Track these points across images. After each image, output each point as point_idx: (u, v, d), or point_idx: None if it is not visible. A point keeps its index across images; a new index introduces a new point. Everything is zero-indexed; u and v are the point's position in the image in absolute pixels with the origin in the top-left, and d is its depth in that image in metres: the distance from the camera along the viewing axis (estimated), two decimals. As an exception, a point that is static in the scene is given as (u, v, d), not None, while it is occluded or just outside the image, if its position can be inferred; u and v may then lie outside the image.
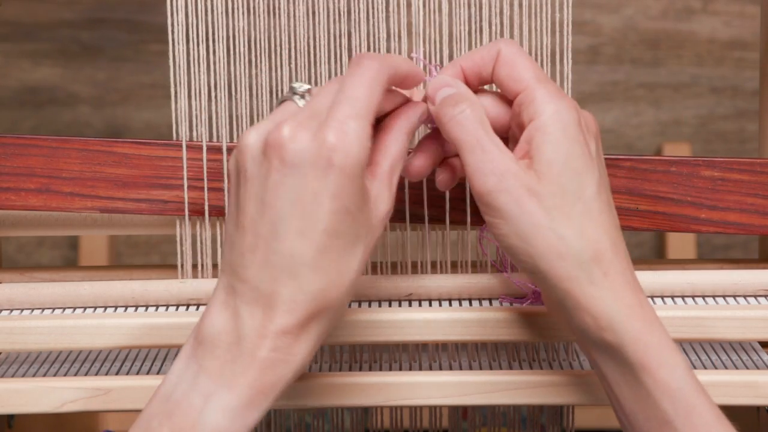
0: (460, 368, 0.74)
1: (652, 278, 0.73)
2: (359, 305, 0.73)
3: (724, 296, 0.74)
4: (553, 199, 0.62)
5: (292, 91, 0.63)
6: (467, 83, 0.65)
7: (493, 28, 0.71)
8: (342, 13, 0.71)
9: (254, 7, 0.71)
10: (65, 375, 0.73)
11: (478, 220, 0.73)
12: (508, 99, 0.65)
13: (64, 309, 0.74)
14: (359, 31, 0.71)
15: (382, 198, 0.61)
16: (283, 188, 0.59)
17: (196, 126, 0.73)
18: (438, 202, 0.73)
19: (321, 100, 0.61)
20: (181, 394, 0.59)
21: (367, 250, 0.61)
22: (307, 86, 0.63)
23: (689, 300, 0.73)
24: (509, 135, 0.66)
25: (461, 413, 0.87)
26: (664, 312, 0.69)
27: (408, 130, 0.64)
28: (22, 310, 0.73)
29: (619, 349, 0.62)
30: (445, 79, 0.65)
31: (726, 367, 0.73)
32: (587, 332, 0.62)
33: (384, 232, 0.73)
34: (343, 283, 0.60)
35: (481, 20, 0.71)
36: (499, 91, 0.66)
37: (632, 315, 0.62)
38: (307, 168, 0.58)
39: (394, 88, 0.64)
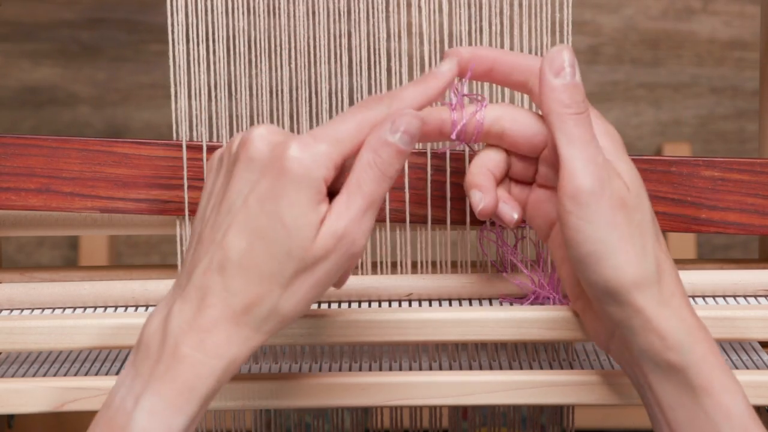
0: (460, 368, 0.74)
1: (652, 278, 0.73)
2: (359, 305, 0.73)
3: (724, 296, 0.74)
4: (636, 215, 0.62)
5: None
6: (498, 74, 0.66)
7: (493, 28, 0.71)
8: (342, 13, 0.71)
9: (254, 7, 0.71)
10: (65, 375, 0.73)
11: (478, 220, 0.73)
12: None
13: (64, 309, 0.74)
14: (359, 31, 0.71)
15: (332, 223, 0.59)
16: (238, 181, 0.59)
17: (196, 126, 0.73)
18: (438, 202, 0.72)
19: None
20: (119, 400, 0.60)
21: (307, 273, 0.59)
22: None
23: (689, 300, 0.73)
24: (541, 156, 0.66)
25: (461, 413, 0.87)
26: (664, 312, 0.69)
27: (374, 149, 0.60)
28: (22, 310, 0.73)
29: (683, 371, 0.61)
30: (568, 59, 0.62)
31: (726, 367, 0.73)
32: (651, 352, 0.62)
33: (384, 231, 0.73)
34: (265, 291, 0.59)
35: (481, 20, 0.71)
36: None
37: (697, 337, 0.62)
38: (263, 167, 0.59)
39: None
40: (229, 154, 0.61)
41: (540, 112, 0.65)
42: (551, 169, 0.66)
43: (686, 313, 0.62)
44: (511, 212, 0.66)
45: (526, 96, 0.71)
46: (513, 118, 0.65)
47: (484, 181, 0.65)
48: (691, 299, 0.73)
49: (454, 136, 0.65)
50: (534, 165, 0.67)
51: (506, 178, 0.67)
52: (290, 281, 0.59)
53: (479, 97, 0.66)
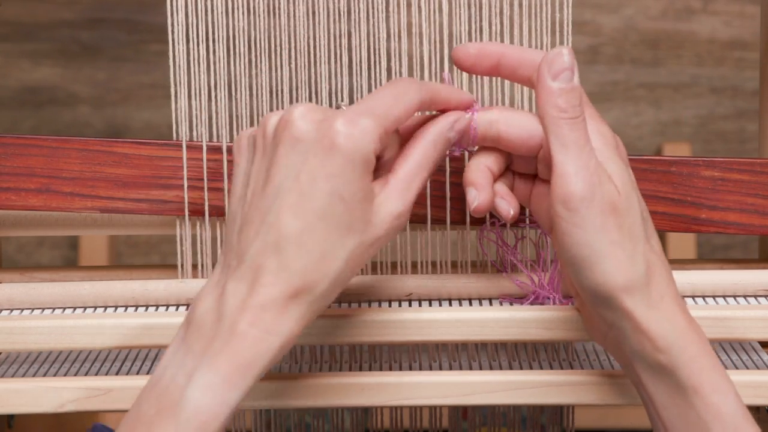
0: (460, 368, 0.74)
1: (652, 278, 0.73)
2: (359, 305, 0.73)
3: (724, 296, 0.74)
4: (627, 219, 0.62)
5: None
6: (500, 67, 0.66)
7: (493, 28, 0.71)
8: (342, 13, 0.71)
9: (254, 7, 0.71)
10: (65, 375, 0.73)
11: (478, 220, 0.73)
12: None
13: (64, 309, 0.74)
14: (359, 31, 0.71)
15: (392, 202, 0.61)
16: (285, 162, 0.60)
17: (196, 126, 0.73)
18: (438, 203, 0.73)
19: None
20: (169, 377, 0.59)
21: (364, 248, 0.60)
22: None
23: (689, 300, 0.73)
24: (539, 155, 0.66)
25: (461, 413, 0.87)
26: (664, 312, 0.69)
27: (435, 140, 0.63)
28: (22, 310, 0.73)
29: (673, 372, 0.62)
30: (567, 62, 0.63)
31: (726, 367, 0.72)
32: (642, 354, 0.62)
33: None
34: (326, 268, 0.60)
35: (481, 20, 0.71)
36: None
37: (687, 338, 0.62)
38: (311, 145, 0.59)
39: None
40: (264, 135, 0.62)
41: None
42: (548, 168, 0.66)
43: (677, 314, 0.62)
44: (507, 208, 0.66)
45: (525, 97, 0.71)
46: (507, 122, 0.65)
47: (480, 178, 0.65)
48: (690, 299, 0.73)
49: (456, 148, 0.66)
50: (535, 160, 0.67)
51: (509, 171, 0.67)
52: (350, 256, 0.60)
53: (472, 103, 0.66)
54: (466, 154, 0.71)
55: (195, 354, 0.59)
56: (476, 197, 0.65)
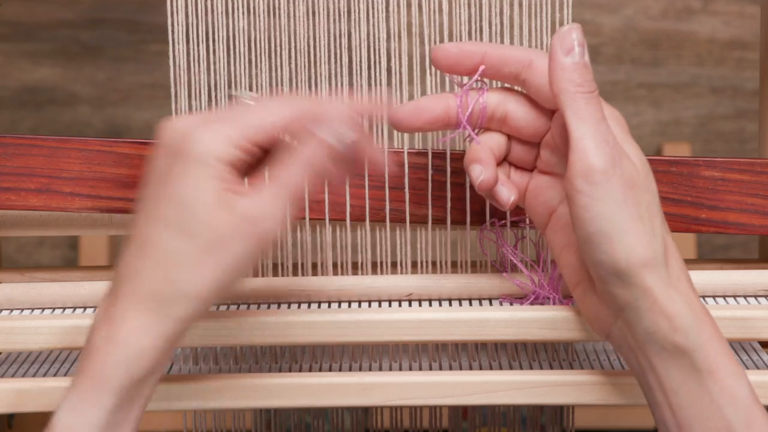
0: (460, 368, 0.74)
1: (652, 278, 0.73)
2: (359, 305, 0.73)
3: (724, 296, 0.74)
4: (646, 195, 0.62)
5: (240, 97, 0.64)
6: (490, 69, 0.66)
7: (493, 28, 0.71)
8: (342, 13, 0.71)
9: (254, 7, 0.71)
10: (65, 375, 0.73)
11: (478, 220, 0.73)
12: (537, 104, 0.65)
13: (64, 309, 0.73)
14: (359, 31, 0.71)
15: (254, 208, 0.59)
16: (152, 170, 0.60)
17: (196, 126, 0.73)
18: (439, 202, 0.72)
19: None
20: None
21: (214, 257, 0.58)
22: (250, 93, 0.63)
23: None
24: (543, 141, 0.66)
25: (461, 413, 0.87)
26: (664, 312, 0.69)
27: (309, 156, 0.60)
28: (22, 310, 0.73)
29: (689, 353, 0.61)
30: (578, 37, 0.62)
31: (726, 367, 0.73)
32: (658, 335, 0.62)
33: (384, 231, 0.73)
34: (170, 274, 0.59)
35: (481, 20, 0.71)
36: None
37: (703, 320, 0.62)
38: (167, 152, 0.59)
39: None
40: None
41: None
42: (554, 154, 0.66)
43: (692, 296, 0.62)
44: (508, 194, 0.66)
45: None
46: (516, 102, 0.66)
47: (484, 156, 0.65)
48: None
49: (464, 120, 0.65)
50: (535, 150, 0.67)
51: (506, 162, 0.67)
52: (197, 262, 0.58)
53: (481, 83, 0.66)
54: (467, 143, 0.71)
55: (72, 377, 0.60)
56: (482, 171, 0.65)
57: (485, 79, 0.67)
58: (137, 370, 0.59)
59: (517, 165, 0.68)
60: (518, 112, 0.66)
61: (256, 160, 0.61)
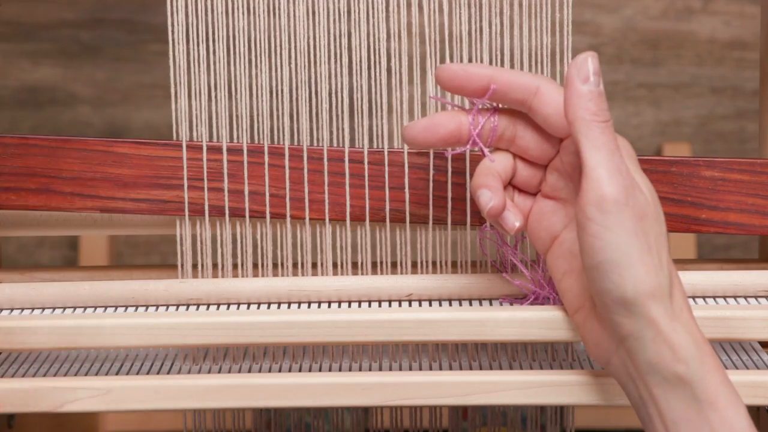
0: (460, 368, 0.74)
1: (652, 278, 0.73)
2: (359, 305, 0.73)
3: (724, 296, 0.74)
4: (655, 227, 0.62)
5: None
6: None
7: (493, 28, 0.71)
8: (342, 13, 0.71)
9: (254, 7, 0.71)
10: (65, 375, 0.73)
11: (478, 220, 0.73)
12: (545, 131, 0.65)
13: (64, 309, 0.73)
14: (359, 31, 0.71)
15: None
16: None
17: (196, 126, 0.73)
18: (439, 203, 0.73)
19: None
20: None
21: None
22: None
23: (690, 300, 0.73)
24: (550, 165, 0.66)
25: (461, 413, 0.87)
26: (664, 312, 0.69)
27: None
28: (23, 310, 0.73)
29: (690, 384, 0.62)
30: (595, 66, 0.63)
31: (726, 367, 0.72)
32: (660, 365, 0.62)
33: (384, 231, 0.73)
34: None
35: (481, 20, 0.71)
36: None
37: (704, 351, 0.62)
38: None
39: None
40: None
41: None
42: (561, 179, 0.66)
43: (693, 327, 0.63)
44: (513, 220, 0.66)
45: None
46: (526, 124, 0.66)
47: (492, 182, 0.65)
48: (691, 299, 0.73)
49: (474, 136, 0.66)
50: (540, 174, 0.67)
51: (509, 186, 0.68)
52: None
53: (492, 103, 0.66)
54: (467, 152, 0.71)
55: None
56: (491, 198, 0.65)
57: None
58: None
59: (521, 188, 0.68)
60: (528, 133, 0.66)
61: None
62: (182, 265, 0.74)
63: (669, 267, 0.62)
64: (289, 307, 0.73)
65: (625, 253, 0.61)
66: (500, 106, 0.66)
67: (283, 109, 0.73)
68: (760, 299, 0.73)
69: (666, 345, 0.62)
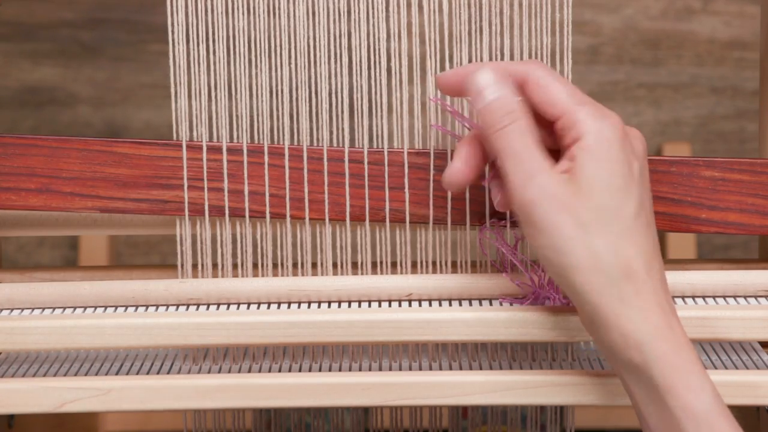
0: (460, 368, 0.74)
1: (652, 278, 0.73)
2: (359, 305, 0.73)
3: (724, 296, 0.74)
4: (590, 215, 0.62)
5: None
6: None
7: (493, 28, 0.71)
8: (342, 13, 0.71)
9: (254, 7, 0.71)
10: (65, 375, 0.73)
11: (478, 220, 0.73)
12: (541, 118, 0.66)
13: (64, 309, 0.73)
14: (359, 31, 0.71)
15: None
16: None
17: (196, 126, 0.73)
18: (439, 203, 0.73)
19: None
20: None
21: None
22: None
23: (689, 300, 0.73)
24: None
25: (461, 412, 0.87)
26: (664, 312, 0.69)
27: None
28: (22, 310, 0.73)
29: (645, 370, 0.62)
30: (490, 78, 0.64)
31: (726, 367, 0.73)
32: (615, 350, 0.62)
33: (384, 231, 0.73)
34: None
35: (481, 20, 0.71)
36: None
37: (660, 336, 0.62)
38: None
39: None
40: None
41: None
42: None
43: (653, 312, 0.62)
44: (495, 193, 0.67)
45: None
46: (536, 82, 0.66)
47: (463, 151, 0.67)
48: (691, 299, 0.73)
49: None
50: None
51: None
52: None
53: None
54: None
55: None
56: (451, 165, 0.67)
57: None
58: None
59: None
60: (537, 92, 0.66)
61: None
62: (182, 265, 0.74)
63: (619, 249, 0.62)
64: (289, 307, 0.73)
65: (557, 243, 0.62)
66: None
67: (283, 109, 0.73)
68: (760, 299, 0.73)
69: (616, 331, 0.62)
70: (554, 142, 0.67)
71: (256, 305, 0.73)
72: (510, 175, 0.63)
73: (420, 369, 0.74)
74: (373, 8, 0.71)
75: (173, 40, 0.72)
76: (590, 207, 0.62)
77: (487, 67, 0.65)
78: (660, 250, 0.65)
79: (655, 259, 0.63)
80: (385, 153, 0.73)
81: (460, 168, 0.66)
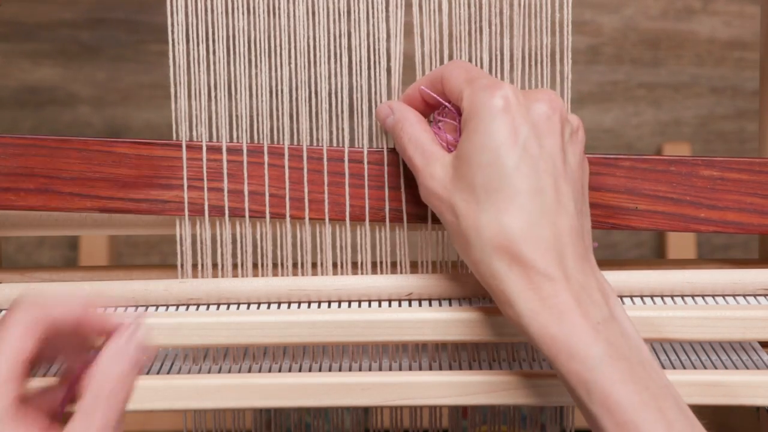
0: (460, 368, 0.74)
1: (652, 278, 0.73)
2: (359, 305, 0.73)
3: (724, 296, 0.74)
4: (461, 196, 0.64)
5: None
6: (427, 104, 0.70)
7: (493, 28, 0.71)
8: (342, 13, 0.71)
9: (254, 7, 0.71)
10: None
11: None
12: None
13: (64, 309, 0.73)
14: (359, 31, 0.71)
15: None
16: None
17: (196, 126, 0.73)
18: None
19: None
20: None
21: None
22: None
23: (689, 300, 0.73)
24: None
25: (461, 412, 0.87)
26: (665, 312, 0.69)
27: (110, 368, 0.55)
28: (22, 310, 0.73)
29: (532, 341, 0.62)
30: (382, 109, 0.70)
31: (726, 367, 0.73)
32: (511, 321, 0.63)
33: (384, 231, 0.73)
34: None
35: (481, 20, 0.71)
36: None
37: (538, 308, 0.62)
38: None
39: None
40: None
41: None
42: None
43: (532, 284, 0.62)
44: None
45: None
46: None
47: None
48: (690, 299, 0.73)
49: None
50: None
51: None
52: None
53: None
54: None
55: None
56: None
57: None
58: None
59: None
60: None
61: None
62: (182, 265, 0.74)
63: (506, 223, 0.62)
64: (289, 307, 0.73)
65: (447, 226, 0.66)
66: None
67: (283, 109, 0.73)
68: (759, 299, 0.73)
69: (501, 303, 0.63)
70: None
71: (256, 305, 0.73)
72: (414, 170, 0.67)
73: (420, 369, 0.74)
74: (373, 8, 0.71)
75: (173, 40, 0.72)
76: (463, 185, 0.64)
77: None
78: (570, 213, 0.63)
79: (551, 231, 0.62)
80: (385, 153, 0.73)
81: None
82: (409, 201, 0.73)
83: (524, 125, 0.63)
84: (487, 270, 0.63)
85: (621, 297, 0.72)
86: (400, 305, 0.73)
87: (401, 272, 0.74)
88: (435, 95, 0.68)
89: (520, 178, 0.62)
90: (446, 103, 0.68)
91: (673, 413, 0.59)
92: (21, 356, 0.54)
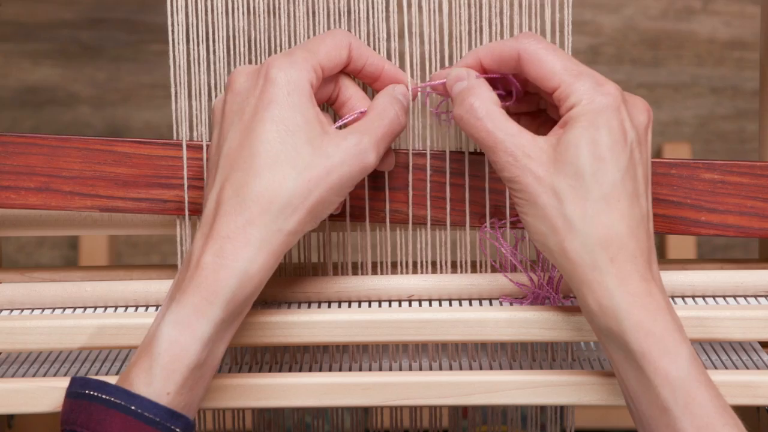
0: (460, 368, 0.74)
1: (652, 278, 0.73)
2: (359, 305, 0.73)
3: (724, 296, 0.74)
4: (567, 181, 0.63)
5: None
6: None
7: (493, 28, 0.71)
8: (342, 13, 0.71)
9: (254, 7, 0.71)
10: (65, 375, 0.73)
11: (478, 220, 0.73)
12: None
13: (65, 309, 0.73)
14: (359, 31, 0.71)
15: (354, 136, 0.65)
16: (230, 109, 0.66)
17: (196, 126, 0.73)
18: (439, 203, 0.73)
19: None
20: (152, 325, 0.63)
21: (319, 171, 0.64)
22: None
23: (689, 300, 0.73)
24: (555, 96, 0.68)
25: (461, 412, 0.87)
26: (664, 312, 0.69)
27: (390, 99, 0.68)
28: (23, 310, 0.73)
29: (620, 336, 0.62)
30: (460, 72, 0.67)
31: (726, 367, 0.73)
32: (593, 316, 0.63)
33: (384, 232, 0.73)
34: (279, 192, 0.63)
35: (481, 20, 0.71)
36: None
37: (635, 303, 0.62)
38: (249, 90, 0.65)
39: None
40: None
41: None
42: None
43: (629, 278, 0.63)
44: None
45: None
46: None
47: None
48: (691, 299, 0.73)
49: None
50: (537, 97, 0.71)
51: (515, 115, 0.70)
52: (302, 176, 0.63)
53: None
54: (467, 153, 0.72)
55: (169, 297, 0.63)
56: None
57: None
58: (249, 287, 0.63)
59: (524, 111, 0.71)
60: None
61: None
62: (182, 265, 0.74)
63: (605, 219, 0.63)
64: (289, 307, 0.73)
65: (528, 217, 0.65)
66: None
67: (283, 109, 0.72)
68: (760, 299, 0.73)
69: (590, 297, 0.63)
70: (537, 127, 0.69)
71: (257, 305, 0.73)
72: (489, 158, 0.65)
73: (420, 369, 0.74)
74: (373, 8, 0.71)
75: (173, 40, 0.72)
76: (567, 174, 0.63)
77: (460, 63, 0.69)
78: (651, 221, 0.65)
79: (639, 227, 0.64)
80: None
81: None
82: (410, 202, 0.73)
83: (632, 130, 0.64)
84: (588, 259, 0.63)
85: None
86: (400, 305, 0.73)
87: (401, 272, 0.74)
88: (509, 75, 0.68)
89: (627, 179, 0.64)
90: (515, 83, 0.68)
91: (734, 418, 0.62)
92: (331, 53, 0.67)
